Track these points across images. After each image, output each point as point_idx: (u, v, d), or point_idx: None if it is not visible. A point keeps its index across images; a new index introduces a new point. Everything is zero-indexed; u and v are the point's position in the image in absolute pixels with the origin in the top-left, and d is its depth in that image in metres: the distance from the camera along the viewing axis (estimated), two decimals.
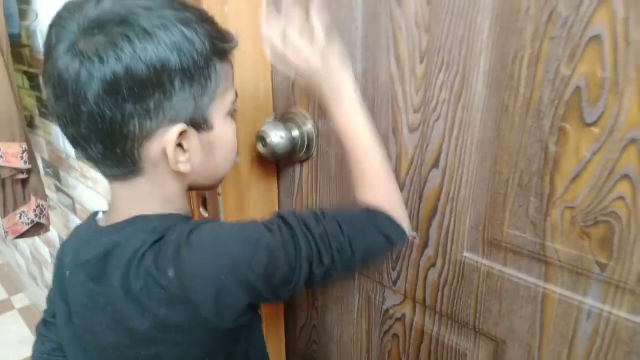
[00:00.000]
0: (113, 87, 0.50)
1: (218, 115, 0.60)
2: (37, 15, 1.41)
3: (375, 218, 0.66)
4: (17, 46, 1.60)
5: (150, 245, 0.56)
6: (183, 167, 0.58)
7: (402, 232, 0.68)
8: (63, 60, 0.50)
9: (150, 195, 0.60)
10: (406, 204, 0.80)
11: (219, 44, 0.57)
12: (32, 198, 1.42)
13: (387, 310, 0.90)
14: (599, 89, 0.56)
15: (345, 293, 0.97)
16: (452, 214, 0.74)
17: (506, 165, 0.66)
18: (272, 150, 0.86)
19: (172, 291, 0.54)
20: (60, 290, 0.67)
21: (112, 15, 0.51)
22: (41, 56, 1.64)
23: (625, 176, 0.56)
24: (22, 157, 1.33)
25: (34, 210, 1.43)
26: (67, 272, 0.65)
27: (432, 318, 0.83)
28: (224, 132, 0.62)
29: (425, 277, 0.80)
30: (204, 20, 0.57)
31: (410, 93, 0.74)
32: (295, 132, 0.89)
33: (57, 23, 0.52)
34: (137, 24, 0.50)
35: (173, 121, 0.55)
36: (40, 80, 0.54)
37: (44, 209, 1.46)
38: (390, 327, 0.90)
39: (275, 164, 1.01)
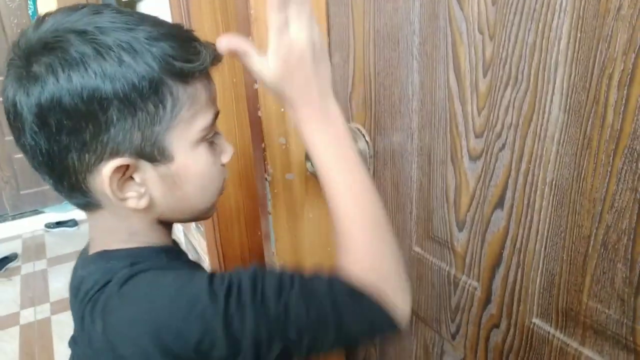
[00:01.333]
0: (42, 120, 0.46)
1: (181, 144, 0.51)
2: None
3: (358, 301, 0.48)
4: None
5: (98, 289, 0.50)
6: (134, 203, 0.51)
7: (391, 321, 0.49)
8: (5, 90, 0.48)
9: (115, 229, 0.55)
10: (467, 245, 0.65)
11: (178, 65, 0.48)
12: None
13: None
14: None
15: (402, 336, 0.85)
16: (519, 267, 0.58)
17: (588, 217, 0.49)
18: None
19: (99, 346, 0.47)
20: None
21: (41, 42, 0.46)
22: None
23: None
24: None
25: None
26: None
27: None
28: (190, 162, 0.52)
29: (487, 339, 0.66)
30: (164, 38, 0.48)
31: (472, 113, 0.60)
32: None
33: (13, 44, 0.49)
34: (64, 51, 0.45)
35: (115, 154, 0.48)
36: None
37: None
38: None
39: None
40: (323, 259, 0.94)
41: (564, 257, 0.53)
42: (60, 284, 2.79)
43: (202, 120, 0.52)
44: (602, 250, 0.49)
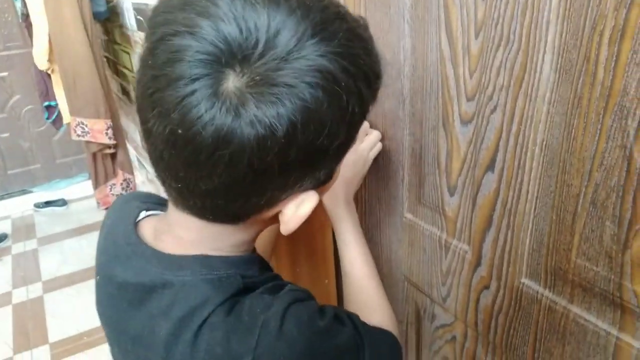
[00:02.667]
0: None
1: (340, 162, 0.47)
2: None
3: (395, 343, 0.62)
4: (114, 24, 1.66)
5: (215, 307, 0.45)
6: (295, 227, 0.47)
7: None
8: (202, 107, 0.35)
9: (225, 238, 0.49)
10: (458, 209, 0.66)
11: (378, 86, 0.43)
12: (120, 172, 1.48)
13: (437, 329, 0.77)
14: None
15: (393, 299, 0.86)
16: (509, 229, 0.59)
17: (577, 176, 0.50)
18: None
19: None
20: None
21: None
22: (130, 33, 1.69)
23: None
24: (107, 134, 1.38)
25: (121, 184, 1.49)
26: (98, 276, 0.57)
27: (485, 348, 0.69)
28: (336, 175, 0.49)
29: (478, 300, 0.67)
30: (372, 52, 0.42)
31: (464, 76, 0.60)
32: None
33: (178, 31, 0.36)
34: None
35: (304, 189, 0.44)
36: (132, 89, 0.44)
37: (130, 182, 1.52)
38: (440, 348, 0.78)
39: None
40: (314, 229, 0.95)
41: (554, 217, 0.53)
42: (51, 263, 2.79)
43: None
44: (591, 209, 0.49)
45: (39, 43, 1.37)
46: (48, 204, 3.42)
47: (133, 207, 0.58)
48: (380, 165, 0.79)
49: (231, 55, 0.35)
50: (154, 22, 0.39)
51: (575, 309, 0.54)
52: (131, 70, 1.71)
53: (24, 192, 3.50)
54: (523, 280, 0.59)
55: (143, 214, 0.57)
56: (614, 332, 0.50)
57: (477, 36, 0.56)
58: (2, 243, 3.00)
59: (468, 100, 0.60)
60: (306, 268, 0.97)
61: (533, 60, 0.51)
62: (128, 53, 1.73)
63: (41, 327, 2.28)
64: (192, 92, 0.35)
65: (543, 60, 0.50)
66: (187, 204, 0.46)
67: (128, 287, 0.51)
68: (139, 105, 0.40)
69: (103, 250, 0.58)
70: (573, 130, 0.49)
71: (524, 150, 0.55)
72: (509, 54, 0.53)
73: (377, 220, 0.84)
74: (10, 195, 3.47)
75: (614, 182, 0.47)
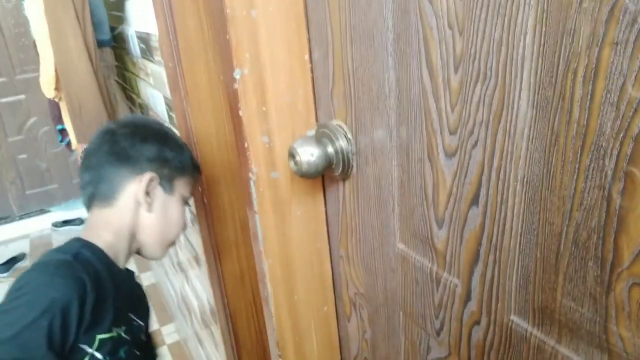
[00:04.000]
0: None
1: (179, 191, 1.07)
2: (125, 20, 1.45)
3: None
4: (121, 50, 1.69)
5: None
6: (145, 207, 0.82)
7: None
8: None
9: (105, 224, 0.94)
10: (447, 242, 0.65)
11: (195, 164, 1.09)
12: None
13: None
14: None
15: (390, 332, 0.84)
16: (495, 264, 0.58)
17: (558, 214, 0.49)
18: (300, 170, 0.77)
19: None
20: None
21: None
22: (135, 60, 1.72)
23: None
24: None
25: None
26: None
27: None
28: (177, 206, 0.97)
29: (470, 335, 0.65)
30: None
31: (446, 110, 0.59)
32: (330, 149, 0.78)
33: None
34: None
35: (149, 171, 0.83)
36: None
37: None
38: None
39: (321, 180, 0.90)
40: (312, 256, 0.94)
41: (538, 255, 0.52)
42: None
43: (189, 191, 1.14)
44: (573, 249, 0.48)
45: (45, 72, 1.41)
46: (66, 223, 3.48)
47: None
48: (373, 194, 0.78)
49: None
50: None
51: (563, 350, 0.52)
52: (138, 96, 1.74)
53: (42, 212, 3.57)
54: (512, 317, 0.58)
55: None
56: None
57: (456, 71, 0.56)
58: (20, 262, 3.05)
59: (451, 133, 0.59)
60: (304, 295, 0.96)
61: (510, 96, 0.50)
62: (136, 78, 1.76)
63: None
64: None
65: (520, 96, 0.49)
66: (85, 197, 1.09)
67: None
68: None
69: None
70: (552, 168, 0.48)
71: (505, 185, 0.53)
72: (487, 89, 0.52)
73: (372, 249, 0.83)
74: (28, 215, 3.54)
75: (595, 222, 0.45)
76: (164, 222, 1.06)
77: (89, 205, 1.08)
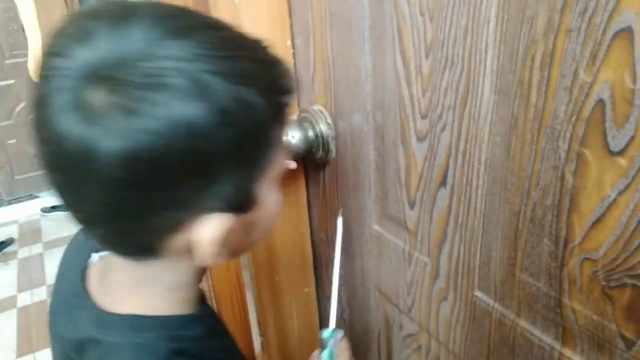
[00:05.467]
0: (131, 170, 0.35)
1: (265, 187, 0.43)
2: None
3: None
4: None
5: None
6: (217, 260, 0.42)
7: None
8: (55, 119, 0.34)
9: (157, 279, 0.46)
10: (418, 222, 0.67)
11: (281, 100, 0.41)
12: None
13: (404, 338, 0.79)
14: (627, 104, 0.40)
15: (366, 310, 0.87)
16: (461, 243, 0.61)
17: (517, 194, 0.51)
18: None
19: None
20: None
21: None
22: None
23: None
24: None
25: None
26: (50, 316, 0.57)
27: (447, 358, 0.70)
28: (270, 203, 0.45)
29: (438, 311, 0.68)
30: (263, 60, 0.40)
31: (417, 95, 0.61)
32: (311, 133, 0.81)
33: (45, 67, 0.37)
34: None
35: (209, 210, 0.39)
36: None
37: None
38: (408, 356, 0.79)
39: (302, 164, 0.93)
40: (294, 239, 0.96)
41: (499, 233, 0.55)
42: (56, 266, 2.83)
43: (284, 155, 0.45)
44: (530, 226, 0.51)
45: (32, 55, 1.41)
46: (54, 208, 3.48)
47: (86, 249, 0.54)
48: (351, 177, 0.80)
49: (94, 71, 0.34)
50: (47, 46, 0.38)
51: (522, 323, 0.55)
52: None
53: (31, 197, 3.56)
54: (476, 293, 0.61)
55: (94, 256, 0.53)
56: (557, 347, 0.52)
57: (427, 57, 0.58)
58: (8, 247, 3.05)
59: (422, 118, 0.61)
60: (285, 277, 0.99)
61: (475, 82, 0.52)
62: None
63: (44, 331, 2.32)
64: (55, 106, 0.34)
65: (484, 82, 0.52)
66: (98, 239, 0.43)
67: (66, 341, 0.50)
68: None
69: (55, 293, 0.57)
70: (512, 151, 0.50)
71: (470, 168, 0.56)
72: (454, 75, 0.55)
73: (350, 231, 0.85)
74: (17, 200, 3.53)
75: (550, 201, 0.48)
76: (249, 241, 0.49)
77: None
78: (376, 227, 0.78)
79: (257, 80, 0.38)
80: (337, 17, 0.71)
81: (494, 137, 0.52)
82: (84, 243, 0.56)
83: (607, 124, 0.41)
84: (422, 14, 0.57)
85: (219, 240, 0.40)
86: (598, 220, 0.44)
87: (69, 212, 0.41)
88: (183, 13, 0.39)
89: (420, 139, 0.63)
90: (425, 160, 0.63)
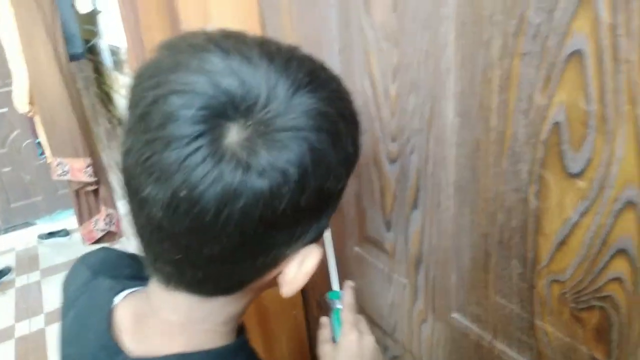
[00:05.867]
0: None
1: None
2: (98, 34, 1.47)
3: None
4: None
5: None
6: (300, 286, 0.42)
7: None
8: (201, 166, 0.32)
9: (216, 314, 0.44)
10: (395, 244, 0.67)
11: (360, 126, 0.42)
12: (103, 208, 1.51)
13: None
14: (582, 126, 0.40)
15: None
16: (436, 265, 0.60)
17: (484, 216, 0.51)
18: None
19: None
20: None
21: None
22: (108, 72, 1.73)
23: (622, 251, 0.39)
24: (86, 172, 1.41)
25: (104, 219, 1.52)
26: None
27: None
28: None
29: (420, 332, 0.68)
30: (348, 94, 0.41)
31: (387, 118, 0.61)
32: None
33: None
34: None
35: (310, 242, 0.40)
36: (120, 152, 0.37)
37: (113, 217, 1.55)
38: None
39: None
40: None
41: (470, 255, 0.55)
42: (53, 293, 2.82)
43: None
44: (499, 248, 0.50)
45: (18, 87, 1.42)
46: (51, 235, 3.47)
47: (104, 287, 0.51)
48: None
49: (233, 108, 0.33)
50: (142, 88, 0.35)
51: (499, 345, 0.55)
52: (115, 107, 1.76)
53: (27, 224, 3.55)
54: (453, 314, 0.60)
55: (118, 297, 0.49)
56: None
57: (394, 81, 0.58)
58: (6, 276, 3.04)
59: (392, 140, 0.61)
60: (273, 300, 0.98)
61: (439, 105, 0.53)
62: (110, 90, 1.77)
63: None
64: (195, 150, 0.32)
65: (447, 106, 0.52)
66: (183, 279, 0.41)
67: None
68: (130, 175, 0.36)
69: (72, 342, 0.51)
70: (477, 173, 0.50)
71: (440, 190, 0.56)
72: (419, 98, 0.55)
73: (335, 252, 0.85)
74: (14, 228, 3.53)
75: (515, 223, 0.48)
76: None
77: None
78: (357, 248, 0.77)
79: (354, 115, 0.41)
80: (310, 40, 0.72)
81: (459, 160, 0.52)
82: (93, 281, 0.53)
83: (565, 146, 0.41)
84: (387, 39, 0.57)
85: (314, 269, 0.41)
86: (562, 242, 0.44)
87: (156, 260, 0.40)
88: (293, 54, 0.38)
89: (392, 161, 0.63)
90: (397, 182, 0.63)
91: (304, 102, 0.35)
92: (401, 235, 0.65)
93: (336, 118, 0.36)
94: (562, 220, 0.43)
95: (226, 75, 0.33)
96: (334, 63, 0.67)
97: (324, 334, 0.64)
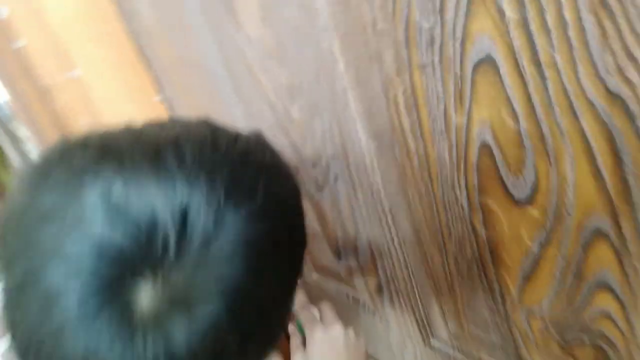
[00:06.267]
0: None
1: None
2: None
3: None
4: None
5: None
6: None
7: None
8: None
9: None
10: (351, 272, 0.59)
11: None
12: None
13: None
14: (517, 147, 0.31)
15: None
16: (399, 295, 0.52)
17: (435, 247, 0.43)
18: None
19: None
20: None
21: None
22: None
23: (604, 286, 0.32)
24: None
25: None
26: None
27: None
28: None
29: (403, 358, 0.61)
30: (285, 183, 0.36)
31: (299, 143, 0.51)
32: None
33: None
34: None
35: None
36: None
37: None
38: None
39: None
40: None
41: (433, 285, 0.47)
42: None
43: None
44: (459, 279, 0.43)
45: None
46: None
47: None
48: None
49: (133, 269, 0.24)
50: (8, 247, 0.27)
51: None
52: None
53: None
54: (433, 342, 0.53)
55: None
56: None
57: (292, 102, 0.48)
58: None
59: (313, 167, 0.52)
60: None
61: (347, 128, 0.43)
62: None
63: None
64: (99, 334, 0.24)
65: (356, 129, 0.42)
66: None
67: None
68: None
69: None
70: (411, 201, 0.42)
71: (378, 218, 0.47)
72: (324, 122, 0.45)
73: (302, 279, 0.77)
74: None
75: (469, 253, 0.40)
76: None
77: None
78: (315, 276, 0.69)
79: (295, 220, 0.35)
80: (190, 62, 0.61)
81: (388, 187, 0.43)
82: None
83: (502, 170, 0.33)
84: (269, 57, 0.47)
85: None
86: (530, 275, 0.36)
87: None
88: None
89: (320, 189, 0.54)
90: (332, 211, 0.54)
91: (227, 231, 0.26)
92: (354, 265, 0.57)
93: (266, 244, 0.28)
94: (522, 251, 0.35)
95: (110, 225, 0.24)
96: (228, 89, 0.57)
97: (293, 342, 0.56)
